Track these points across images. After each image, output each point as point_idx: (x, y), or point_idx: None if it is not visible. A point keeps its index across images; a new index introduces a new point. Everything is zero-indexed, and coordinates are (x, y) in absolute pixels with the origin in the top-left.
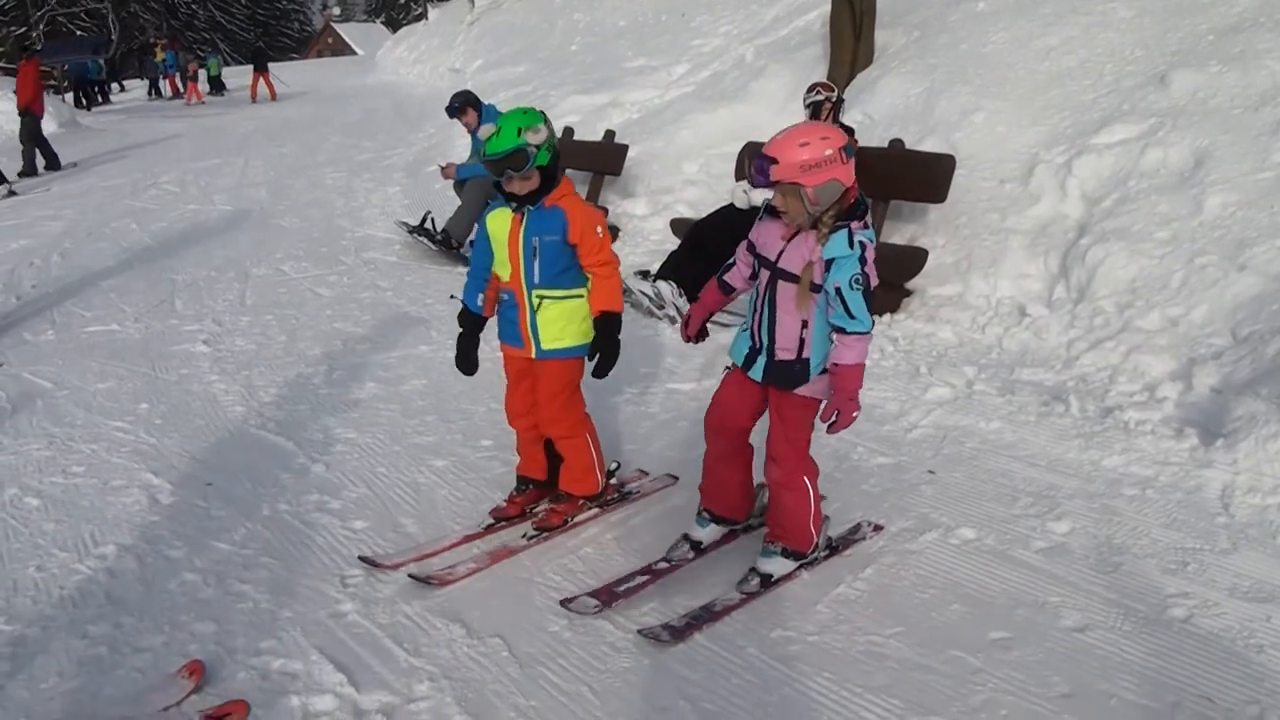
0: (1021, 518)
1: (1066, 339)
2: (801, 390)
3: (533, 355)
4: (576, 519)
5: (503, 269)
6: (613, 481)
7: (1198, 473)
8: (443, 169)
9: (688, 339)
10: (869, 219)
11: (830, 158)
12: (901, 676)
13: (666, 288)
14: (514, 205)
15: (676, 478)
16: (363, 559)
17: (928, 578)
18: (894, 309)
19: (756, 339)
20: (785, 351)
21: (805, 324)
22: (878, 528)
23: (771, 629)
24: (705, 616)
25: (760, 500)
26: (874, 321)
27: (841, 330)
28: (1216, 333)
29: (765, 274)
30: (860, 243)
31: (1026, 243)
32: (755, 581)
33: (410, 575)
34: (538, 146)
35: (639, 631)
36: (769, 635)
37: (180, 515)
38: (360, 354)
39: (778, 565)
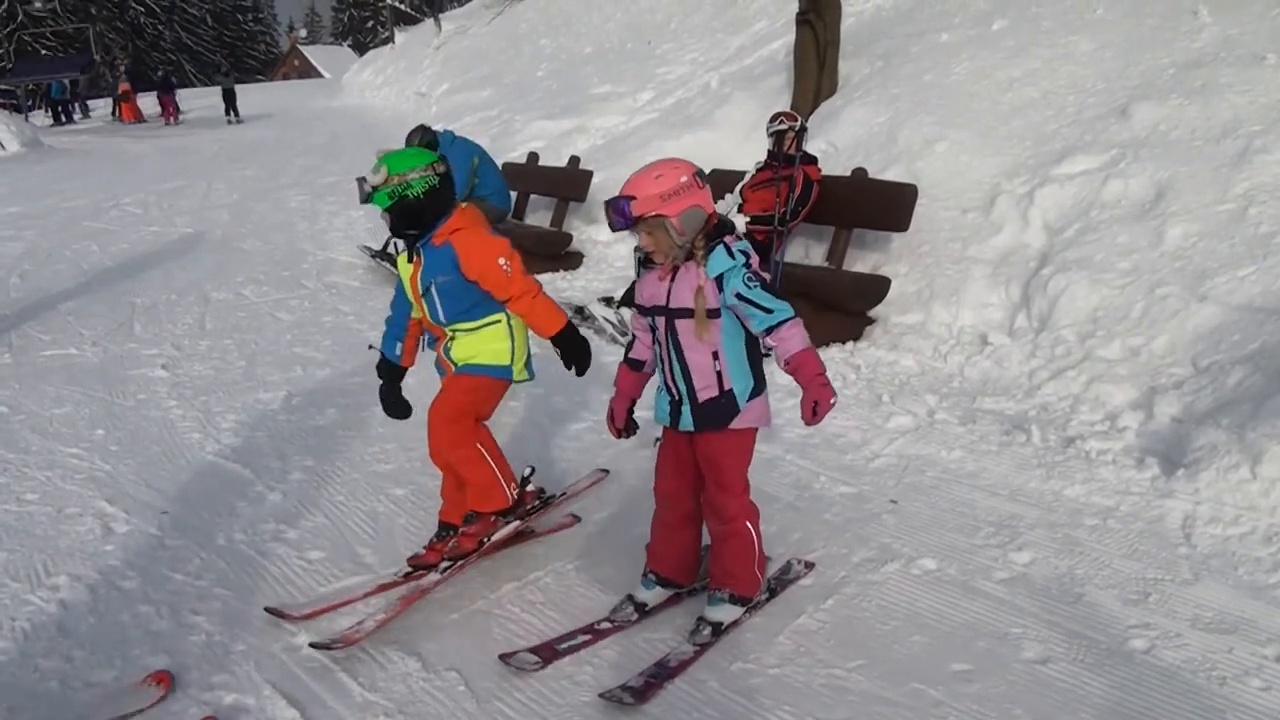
0: (983, 548)
1: (1028, 368)
2: (735, 424)
3: (453, 373)
4: (495, 537)
5: (416, 310)
6: (529, 488)
7: (1159, 503)
8: None
9: (618, 435)
10: (739, 233)
11: (686, 184)
12: (863, 710)
13: (630, 315)
14: (402, 245)
15: (607, 471)
16: (269, 610)
17: (889, 609)
18: (856, 337)
19: (673, 390)
20: (706, 390)
21: (716, 355)
22: (809, 565)
23: (732, 662)
24: (663, 674)
25: (706, 563)
26: (793, 308)
27: (770, 330)
28: (1177, 362)
29: (661, 322)
30: (741, 251)
31: (988, 272)
32: (706, 631)
33: (312, 645)
34: (374, 188)
35: (600, 695)
36: (729, 668)
37: (134, 545)
38: (320, 380)
39: (726, 613)
